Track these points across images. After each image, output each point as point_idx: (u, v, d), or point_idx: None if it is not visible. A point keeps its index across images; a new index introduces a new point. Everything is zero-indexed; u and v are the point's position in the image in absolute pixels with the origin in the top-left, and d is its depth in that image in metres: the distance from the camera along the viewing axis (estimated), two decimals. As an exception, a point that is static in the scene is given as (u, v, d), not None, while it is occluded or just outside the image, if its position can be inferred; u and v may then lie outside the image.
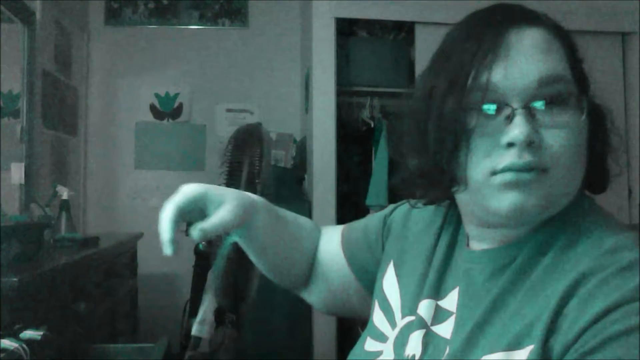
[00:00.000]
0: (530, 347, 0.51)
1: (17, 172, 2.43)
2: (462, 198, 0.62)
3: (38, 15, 2.57)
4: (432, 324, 0.64)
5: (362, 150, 2.99)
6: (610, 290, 0.49)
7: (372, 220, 0.85)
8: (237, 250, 0.79)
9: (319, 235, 0.89)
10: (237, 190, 0.73)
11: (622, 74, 2.91)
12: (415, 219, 0.78)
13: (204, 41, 3.36)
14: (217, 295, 1.65)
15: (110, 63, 3.30)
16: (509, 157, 0.55)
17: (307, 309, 2.24)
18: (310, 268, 0.87)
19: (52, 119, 2.76)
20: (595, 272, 0.51)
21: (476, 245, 0.65)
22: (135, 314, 2.73)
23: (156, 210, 0.66)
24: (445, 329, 0.62)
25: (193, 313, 2.39)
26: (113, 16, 3.31)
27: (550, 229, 0.59)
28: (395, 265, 0.75)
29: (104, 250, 2.16)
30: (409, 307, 0.68)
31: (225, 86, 3.35)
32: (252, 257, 0.81)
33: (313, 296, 0.89)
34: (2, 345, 1.05)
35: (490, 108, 0.56)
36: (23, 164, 2.46)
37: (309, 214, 2.67)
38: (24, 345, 1.06)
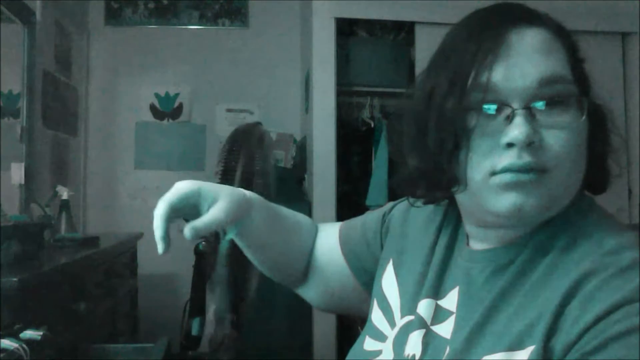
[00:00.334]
0: (531, 348, 0.51)
1: (17, 172, 2.44)
2: (462, 198, 0.62)
3: (38, 15, 2.57)
4: (432, 324, 0.64)
5: (362, 150, 2.99)
6: (611, 290, 0.49)
7: (371, 217, 0.85)
8: (234, 248, 0.79)
9: (316, 232, 0.89)
10: (230, 187, 0.73)
11: (622, 74, 2.91)
12: (414, 217, 0.78)
13: (204, 41, 3.35)
14: (226, 292, 1.65)
15: (110, 63, 3.30)
16: (509, 158, 0.55)
17: (307, 308, 2.24)
18: (307, 265, 0.87)
19: (52, 119, 2.76)
20: (596, 272, 0.51)
21: (476, 245, 0.65)
22: (135, 314, 2.73)
23: (156, 210, 0.66)
24: (445, 329, 0.62)
25: (193, 313, 2.39)
26: (113, 16, 3.31)
27: (550, 230, 0.59)
28: (394, 264, 0.75)
29: (104, 250, 2.15)
30: (409, 307, 0.68)
31: (225, 86, 3.34)
32: (248, 254, 0.81)
33: (310, 293, 0.89)
34: (2, 345, 1.04)
35: (490, 108, 0.56)
36: (23, 164, 2.46)
37: (309, 213, 2.66)
38: (24, 345, 1.06)
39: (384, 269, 0.76)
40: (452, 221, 0.71)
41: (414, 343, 0.63)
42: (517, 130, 0.54)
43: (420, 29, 2.75)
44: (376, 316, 0.73)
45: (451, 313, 0.63)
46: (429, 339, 0.63)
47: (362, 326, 0.76)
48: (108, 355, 1.52)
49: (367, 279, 0.80)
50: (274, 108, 3.32)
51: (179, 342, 2.48)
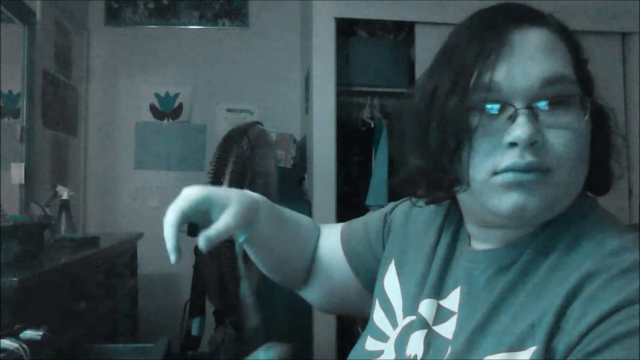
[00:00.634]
0: (533, 348, 0.51)
1: (17, 172, 2.43)
2: (464, 198, 0.62)
3: (38, 15, 2.56)
4: (434, 324, 0.64)
5: (362, 150, 2.99)
6: (613, 291, 0.49)
7: (372, 218, 0.85)
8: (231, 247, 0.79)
9: (318, 232, 0.89)
10: (239, 191, 0.72)
11: (622, 74, 2.91)
12: (416, 217, 0.77)
13: (204, 41, 3.35)
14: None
15: (110, 63, 3.30)
16: (511, 157, 0.55)
17: (307, 309, 2.24)
18: (309, 266, 0.87)
19: (52, 119, 2.75)
20: (599, 273, 0.51)
21: (478, 245, 0.65)
22: (135, 314, 2.73)
23: (156, 210, 0.66)
24: (446, 329, 0.62)
25: (193, 313, 2.39)
26: (113, 16, 3.31)
27: (552, 230, 0.59)
28: (396, 265, 0.75)
29: (104, 250, 2.15)
30: (410, 307, 0.68)
31: (225, 86, 3.34)
32: (252, 255, 0.80)
33: (312, 294, 0.89)
34: (2, 345, 1.04)
35: (493, 108, 0.56)
36: (23, 164, 2.45)
37: (309, 213, 2.66)
38: (24, 345, 1.06)
39: (385, 269, 0.76)
40: (454, 221, 0.71)
41: (416, 343, 0.63)
42: (519, 129, 0.54)
43: (420, 29, 2.75)
44: (378, 316, 0.73)
45: (453, 313, 0.63)
46: (431, 339, 0.63)
47: (363, 326, 0.76)
48: (108, 355, 1.51)
49: (369, 280, 0.80)
50: (274, 108, 3.32)
51: (179, 342, 2.49)
